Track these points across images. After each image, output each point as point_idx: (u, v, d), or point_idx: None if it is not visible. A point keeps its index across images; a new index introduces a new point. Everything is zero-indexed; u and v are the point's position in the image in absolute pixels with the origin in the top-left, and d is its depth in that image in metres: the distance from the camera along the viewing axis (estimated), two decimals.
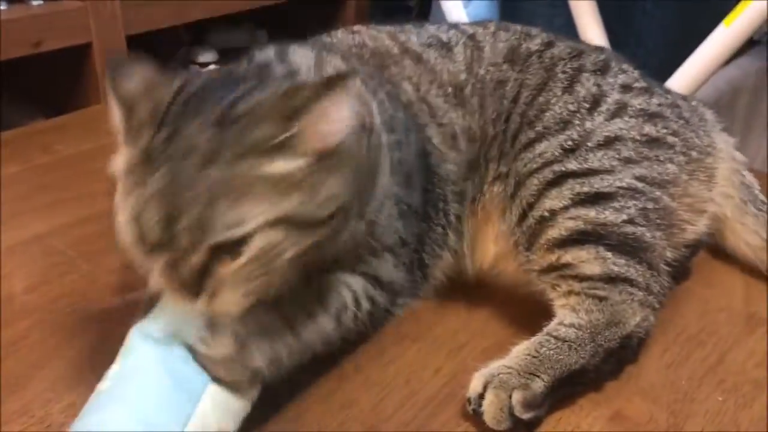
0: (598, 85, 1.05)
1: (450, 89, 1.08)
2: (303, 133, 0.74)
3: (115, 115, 0.80)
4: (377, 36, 1.13)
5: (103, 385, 0.80)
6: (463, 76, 1.09)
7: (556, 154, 1.00)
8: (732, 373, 1.00)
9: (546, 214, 0.99)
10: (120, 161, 0.78)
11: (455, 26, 1.18)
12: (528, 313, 1.10)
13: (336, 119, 0.75)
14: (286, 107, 0.74)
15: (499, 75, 1.08)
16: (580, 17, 1.78)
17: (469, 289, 1.14)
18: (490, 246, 1.09)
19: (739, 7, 1.52)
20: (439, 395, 0.96)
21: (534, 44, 1.11)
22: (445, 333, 1.07)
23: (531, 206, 1.00)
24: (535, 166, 1.01)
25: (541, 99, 1.04)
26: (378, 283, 0.99)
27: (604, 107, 1.03)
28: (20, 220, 1.30)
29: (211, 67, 2.18)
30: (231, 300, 0.77)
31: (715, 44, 1.57)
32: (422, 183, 1.03)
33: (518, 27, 1.15)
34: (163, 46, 2.16)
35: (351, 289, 0.96)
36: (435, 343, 1.05)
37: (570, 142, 1.01)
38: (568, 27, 1.79)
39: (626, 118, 1.02)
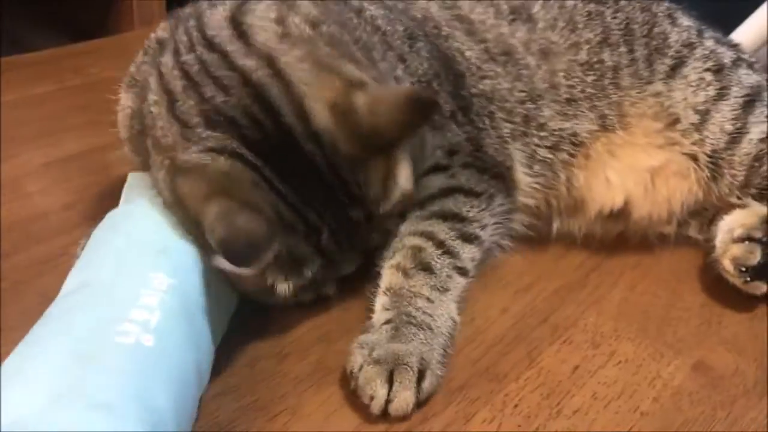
0: (689, 23, 1.11)
1: (505, 6, 1.07)
2: None
3: None
4: None
5: None
6: None
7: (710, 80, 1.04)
8: None
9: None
10: None
11: None
12: (598, 253, 1.05)
13: None
14: None
15: (588, 8, 1.08)
16: None
17: (534, 230, 1.07)
18: (628, 181, 1.03)
19: None
20: (507, 335, 0.90)
21: None
22: (510, 273, 1.00)
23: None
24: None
25: (657, 30, 1.07)
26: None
27: (707, 35, 1.09)
28: (56, 138, 1.24)
29: None
30: None
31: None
32: (449, 88, 0.99)
33: None
34: None
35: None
36: (500, 283, 0.98)
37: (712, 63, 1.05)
38: None
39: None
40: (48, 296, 0.88)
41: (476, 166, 0.97)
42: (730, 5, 1.42)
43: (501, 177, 0.99)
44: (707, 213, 1.05)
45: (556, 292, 0.97)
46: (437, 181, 0.94)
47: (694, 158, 1.02)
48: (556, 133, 1.03)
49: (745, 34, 1.47)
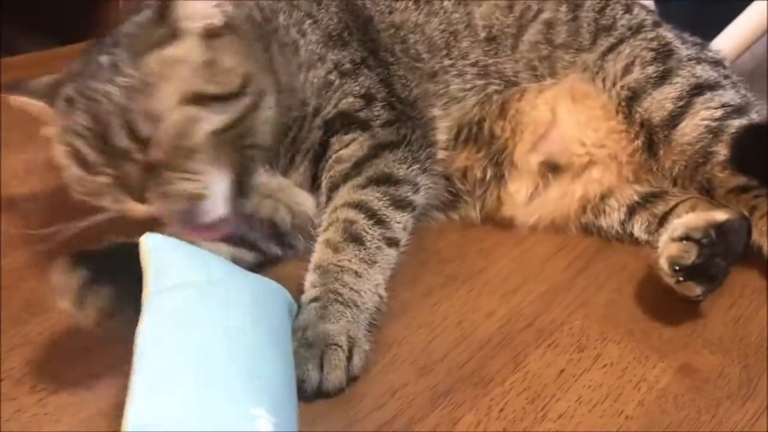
0: (646, 16, 1.16)
1: None
2: (178, 21, 0.85)
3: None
4: None
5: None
6: None
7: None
8: None
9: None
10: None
11: None
12: (585, 255, 1.05)
13: (199, 5, 0.86)
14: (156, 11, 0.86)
15: None
16: None
17: (519, 234, 1.08)
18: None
19: None
20: (493, 339, 0.90)
21: None
22: (497, 276, 1.00)
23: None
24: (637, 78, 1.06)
25: (608, 11, 1.14)
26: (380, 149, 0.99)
27: (667, 29, 1.14)
28: (41, 141, 1.22)
29: None
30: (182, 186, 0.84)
31: (756, 13, 1.48)
32: (359, 36, 1.06)
33: None
34: None
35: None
36: (486, 287, 0.98)
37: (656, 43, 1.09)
38: None
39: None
40: (32, 302, 0.89)
41: (393, 119, 1.01)
42: (711, 12, 1.44)
43: (419, 124, 1.04)
44: (655, 210, 1.05)
45: (543, 295, 0.97)
46: (365, 142, 0.99)
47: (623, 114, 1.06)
48: (480, 64, 1.09)
49: (726, 40, 1.48)
